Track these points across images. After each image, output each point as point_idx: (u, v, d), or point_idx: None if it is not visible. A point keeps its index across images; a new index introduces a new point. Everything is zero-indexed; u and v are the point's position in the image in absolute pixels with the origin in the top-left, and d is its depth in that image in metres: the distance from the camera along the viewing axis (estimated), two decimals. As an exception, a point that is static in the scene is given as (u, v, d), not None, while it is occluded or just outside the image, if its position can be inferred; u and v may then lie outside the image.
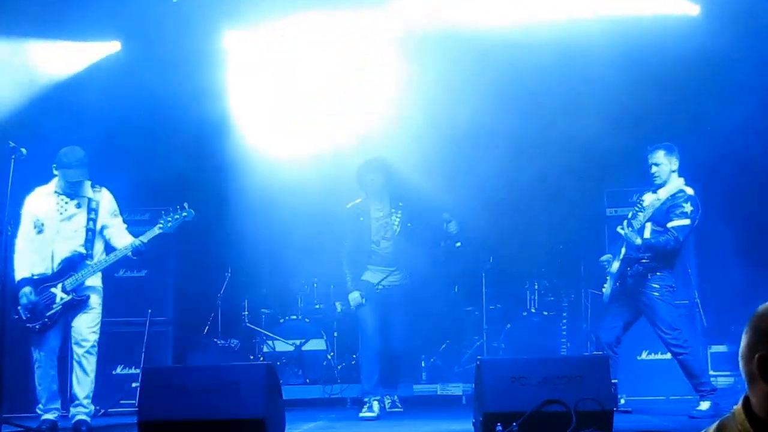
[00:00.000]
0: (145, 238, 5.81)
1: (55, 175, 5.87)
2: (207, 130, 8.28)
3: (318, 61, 8.13)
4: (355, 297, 6.85)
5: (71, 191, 5.84)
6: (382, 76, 8.01)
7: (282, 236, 8.33)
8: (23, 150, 5.52)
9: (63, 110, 7.32)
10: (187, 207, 5.85)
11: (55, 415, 5.75)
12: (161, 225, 5.82)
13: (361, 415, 6.59)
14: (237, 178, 8.48)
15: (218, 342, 7.85)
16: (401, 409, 7.07)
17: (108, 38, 7.83)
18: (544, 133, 8.36)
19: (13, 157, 5.49)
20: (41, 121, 7.12)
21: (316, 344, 7.97)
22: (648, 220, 6.09)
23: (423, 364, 8.18)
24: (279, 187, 8.32)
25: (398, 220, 6.89)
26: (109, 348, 7.08)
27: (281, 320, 8.13)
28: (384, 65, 8.00)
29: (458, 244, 6.98)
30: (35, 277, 5.71)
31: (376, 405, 6.64)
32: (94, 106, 7.44)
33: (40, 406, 5.77)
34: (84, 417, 5.68)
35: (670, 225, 6.04)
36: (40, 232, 5.76)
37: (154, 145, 7.97)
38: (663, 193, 6.13)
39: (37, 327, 5.69)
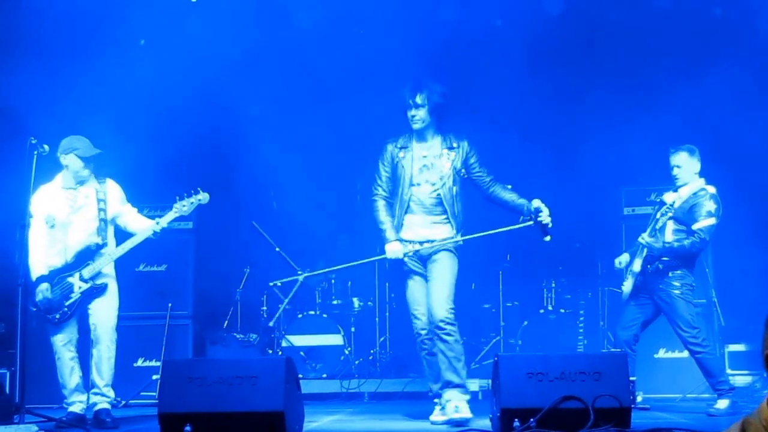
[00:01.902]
0: (163, 222, 5.76)
1: (61, 169, 5.77)
2: (225, 128, 8.34)
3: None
4: (394, 249, 5.40)
5: (80, 180, 5.76)
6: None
7: (300, 231, 8.39)
8: (46, 147, 5.45)
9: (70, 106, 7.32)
10: (200, 190, 5.81)
11: (81, 408, 5.72)
12: (176, 209, 5.78)
13: (432, 418, 5.53)
14: (254, 175, 8.54)
15: (237, 336, 7.93)
16: (470, 417, 5.30)
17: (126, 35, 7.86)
18: (560, 130, 8.38)
19: (35, 152, 5.41)
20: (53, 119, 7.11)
21: (333, 339, 8.03)
22: (670, 219, 6.08)
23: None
24: (297, 183, 8.37)
25: (450, 164, 5.42)
26: (130, 341, 7.15)
27: (299, 315, 8.19)
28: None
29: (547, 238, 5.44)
30: (51, 270, 5.67)
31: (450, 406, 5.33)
32: (108, 100, 7.46)
33: (66, 400, 5.79)
34: (106, 406, 5.69)
35: (696, 227, 6.01)
36: (52, 227, 5.70)
37: (169, 142, 8.01)
38: (685, 192, 6.12)
39: (57, 317, 5.66)
